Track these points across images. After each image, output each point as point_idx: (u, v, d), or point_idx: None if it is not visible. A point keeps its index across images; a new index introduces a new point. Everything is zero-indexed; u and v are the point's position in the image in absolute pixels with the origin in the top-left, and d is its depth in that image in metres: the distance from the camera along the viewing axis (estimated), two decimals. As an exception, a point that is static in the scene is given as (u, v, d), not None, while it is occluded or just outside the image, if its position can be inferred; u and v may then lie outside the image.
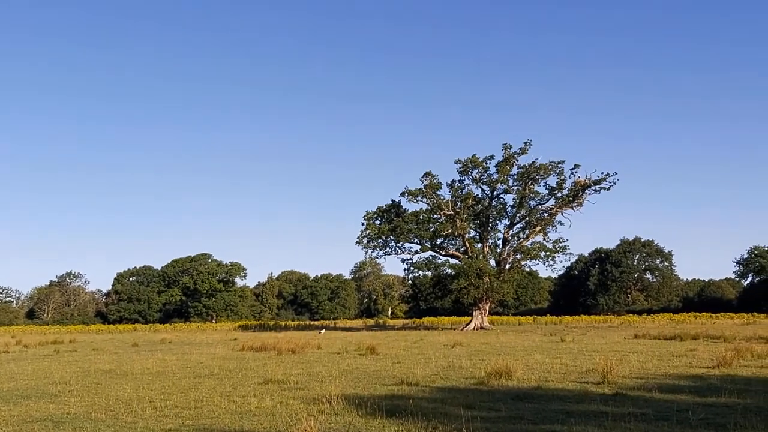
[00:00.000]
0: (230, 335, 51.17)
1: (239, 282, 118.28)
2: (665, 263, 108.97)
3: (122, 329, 79.81)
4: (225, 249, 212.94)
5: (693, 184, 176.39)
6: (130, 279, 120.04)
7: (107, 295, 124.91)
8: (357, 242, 58.88)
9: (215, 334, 56.96)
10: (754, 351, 21.60)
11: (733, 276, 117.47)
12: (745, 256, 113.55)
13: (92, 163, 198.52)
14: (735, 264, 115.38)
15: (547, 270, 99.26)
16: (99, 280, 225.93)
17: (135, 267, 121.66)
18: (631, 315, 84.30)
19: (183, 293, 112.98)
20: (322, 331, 53.14)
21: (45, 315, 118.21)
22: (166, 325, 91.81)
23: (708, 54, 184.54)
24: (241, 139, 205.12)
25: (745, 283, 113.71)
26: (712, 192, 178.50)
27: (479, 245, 58.26)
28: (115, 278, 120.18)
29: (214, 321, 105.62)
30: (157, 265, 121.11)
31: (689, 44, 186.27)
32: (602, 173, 54.37)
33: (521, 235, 57.72)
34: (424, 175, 56.53)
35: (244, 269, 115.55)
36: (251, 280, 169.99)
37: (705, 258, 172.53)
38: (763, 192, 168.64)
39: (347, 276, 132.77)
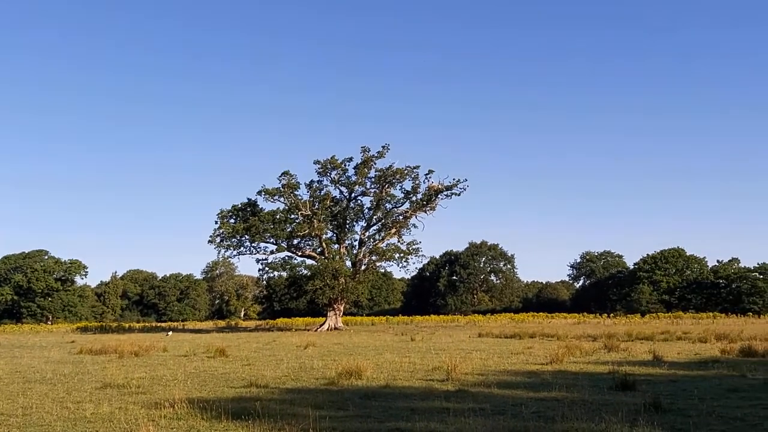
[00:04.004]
0: (67, 337, 47.77)
1: (79, 281, 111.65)
2: (508, 266, 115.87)
3: (-60, 332, 72.07)
4: (64, 245, 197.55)
5: (534, 192, 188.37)
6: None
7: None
8: (209, 241, 57.19)
9: (51, 336, 53.00)
10: (582, 348, 23.56)
11: (567, 279, 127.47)
12: (578, 260, 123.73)
13: None
14: (569, 268, 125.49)
15: (401, 271, 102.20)
16: None
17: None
18: (476, 315, 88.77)
19: (15, 292, 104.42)
20: (170, 333, 50.99)
21: None
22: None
23: (561, 59, 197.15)
24: (83, 124, 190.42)
25: (578, 286, 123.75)
26: (550, 198, 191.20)
27: (336, 246, 58.70)
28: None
29: (50, 322, 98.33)
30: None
31: (549, 51, 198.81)
32: (454, 179, 56.81)
33: (377, 236, 58.89)
34: (282, 175, 56.10)
35: (84, 267, 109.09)
36: (93, 279, 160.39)
37: (543, 261, 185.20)
38: (594, 200, 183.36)
39: (198, 276, 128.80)
